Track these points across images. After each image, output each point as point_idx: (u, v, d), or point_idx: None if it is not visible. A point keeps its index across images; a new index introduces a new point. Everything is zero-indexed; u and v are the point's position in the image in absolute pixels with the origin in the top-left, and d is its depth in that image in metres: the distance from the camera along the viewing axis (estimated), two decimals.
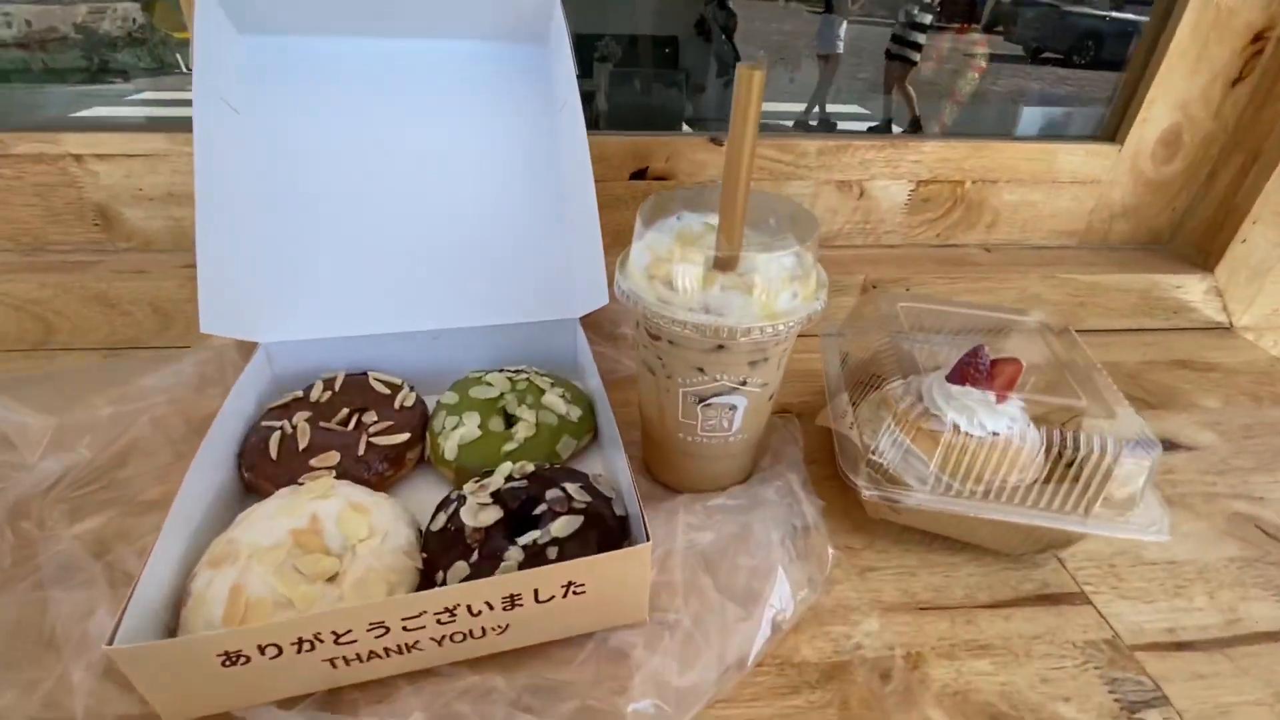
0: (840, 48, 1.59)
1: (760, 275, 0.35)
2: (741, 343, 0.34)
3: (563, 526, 0.35)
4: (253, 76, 0.47)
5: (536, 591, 0.31)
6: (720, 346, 0.35)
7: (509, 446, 0.42)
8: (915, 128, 0.84)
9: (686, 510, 0.40)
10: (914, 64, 1.19)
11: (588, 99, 0.56)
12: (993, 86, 0.70)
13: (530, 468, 0.39)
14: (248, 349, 0.46)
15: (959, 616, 0.37)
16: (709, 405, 0.39)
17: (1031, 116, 0.69)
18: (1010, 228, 0.66)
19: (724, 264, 0.35)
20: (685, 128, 0.83)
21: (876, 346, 0.49)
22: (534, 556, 0.34)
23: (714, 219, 0.37)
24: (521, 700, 0.31)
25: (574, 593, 0.32)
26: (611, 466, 0.43)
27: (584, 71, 0.64)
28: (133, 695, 0.29)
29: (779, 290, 0.35)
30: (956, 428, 0.40)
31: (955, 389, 0.42)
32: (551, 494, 0.37)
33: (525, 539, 0.35)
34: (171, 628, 0.31)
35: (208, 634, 0.28)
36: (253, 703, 0.30)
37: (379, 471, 0.41)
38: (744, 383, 0.38)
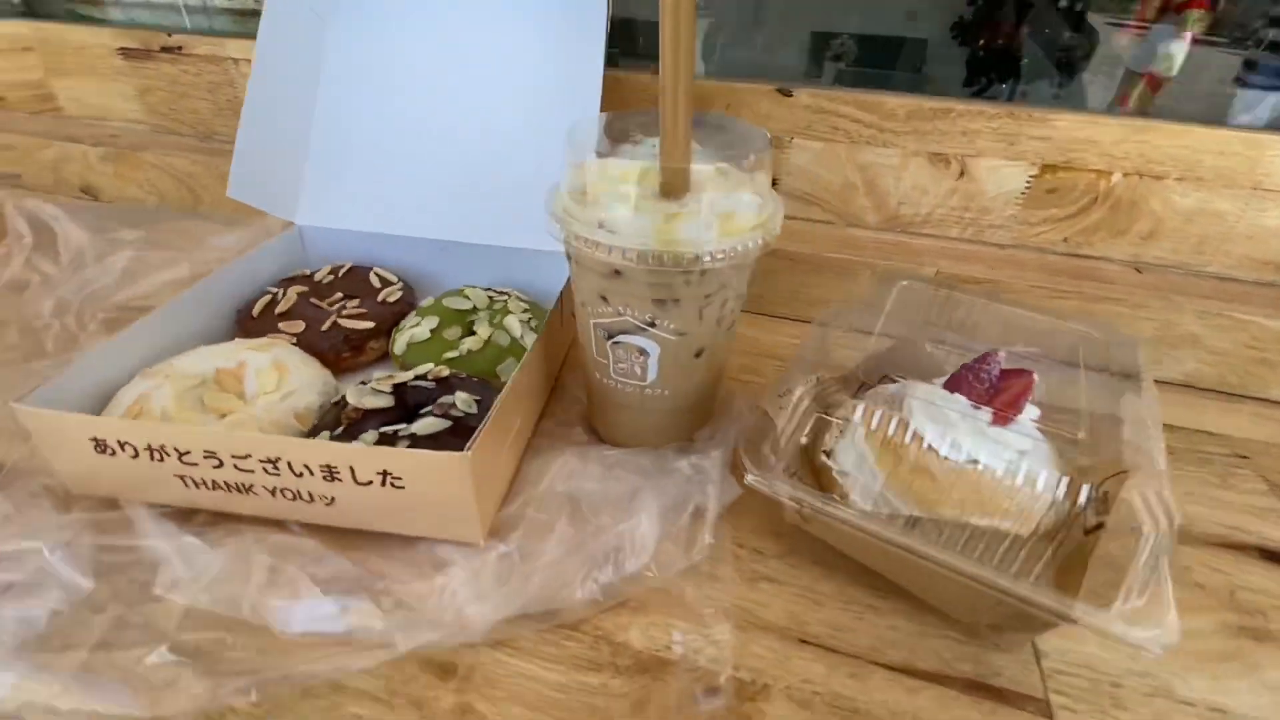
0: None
1: (688, 204, 0.30)
2: (634, 269, 0.30)
3: (426, 426, 0.34)
4: None
5: (354, 471, 0.31)
6: (616, 272, 0.31)
7: (451, 354, 0.42)
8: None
9: (583, 457, 0.37)
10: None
11: None
12: (1205, 66, 0.53)
13: (446, 372, 0.39)
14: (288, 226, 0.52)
15: (845, 666, 0.29)
16: (618, 343, 0.35)
17: (1249, 103, 0.51)
18: (1177, 244, 0.50)
19: (670, 187, 0.31)
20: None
21: (888, 341, 0.40)
22: (384, 443, 0.33)
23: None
24: (326, 569, 0.31)
25: (392, 484, 0.31)
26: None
27: (812, 68, 0.61)
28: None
29: (692, 219, 0.30)
30: (921, 440, 0.31)
31: (940, 394, 0.33)
32: (444, 399, 0.37)
33: (389, 429, 0.34)
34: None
35: (82, 416, 0.32)
36: (129, 496, 0.34)
37: (337, 351, 0.44)
38: (652, 324, 0.33)
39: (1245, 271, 0.49)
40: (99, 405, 0.36)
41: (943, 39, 0.59)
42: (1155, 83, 0.56)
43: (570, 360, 0.47)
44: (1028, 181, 0.50)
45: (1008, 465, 0.30)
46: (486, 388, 0.39)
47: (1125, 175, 0.48)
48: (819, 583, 0.33)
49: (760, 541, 0.35)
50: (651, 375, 0.35)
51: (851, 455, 0.34)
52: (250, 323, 0.44)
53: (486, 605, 0.30)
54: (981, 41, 0.58)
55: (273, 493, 0.32)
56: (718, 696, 0.28)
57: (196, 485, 0.33)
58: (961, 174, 0.51)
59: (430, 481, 0.31)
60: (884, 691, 0.28)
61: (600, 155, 0.33)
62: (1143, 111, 0.54)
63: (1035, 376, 0.31)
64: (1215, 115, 0.51)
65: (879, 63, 0.61)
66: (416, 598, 0.30)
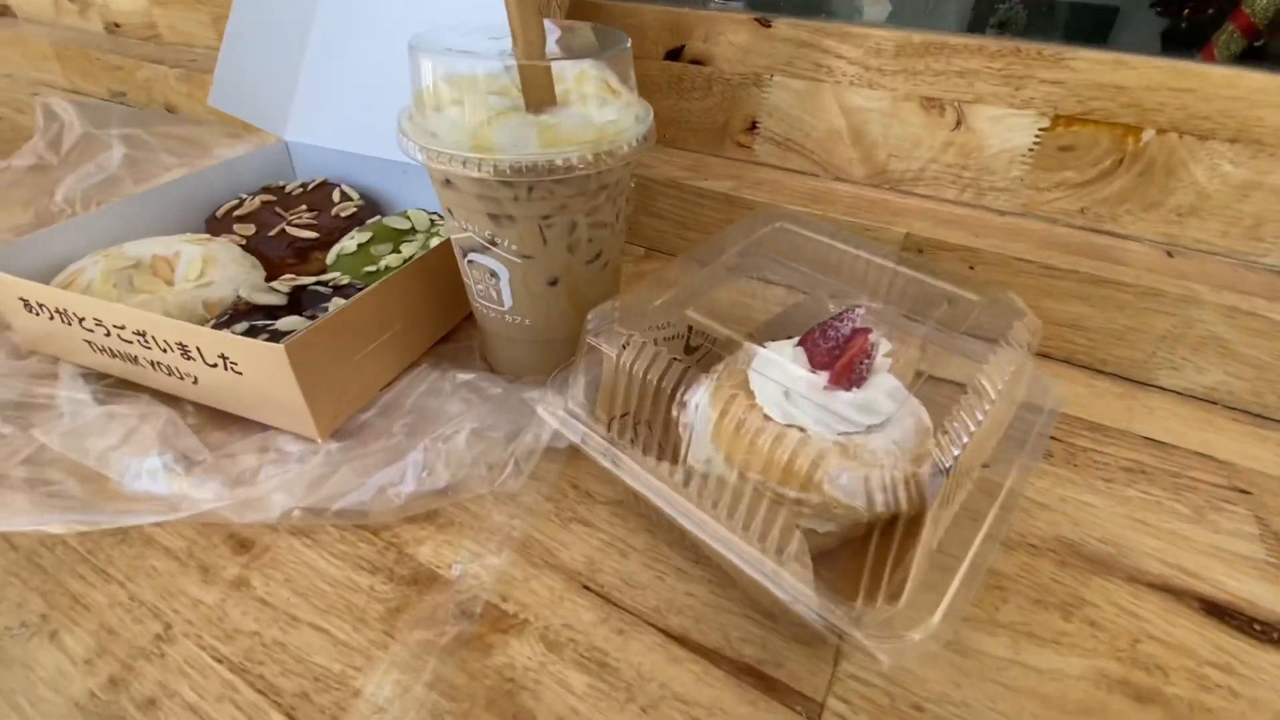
0: None
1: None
2: (459, 178, 0.29)
3: (289, 324, 0.35)
4: None
5: (201, 352, 0.33)
6: (448, 181, 0.30)
7: (369, 268, 0.44)
8: None
9: (442, 375, 0.37)
10: None
11: None
12: None
13: (345, 280, 0.40)
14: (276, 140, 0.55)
15: (617, 620, 0.28)
16: (471, 262, 0.34)
17: None
18: (1227, 225, 0.40)
19: (535, 100, 0.29)
20: None
21: (799, 299, 0.36)
22: (247, 335, 0.35)
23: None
24: (180, 442, 0.34)
25: (232, 369, 0.32)
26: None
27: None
28: None
29: (512, 125, 0.28)
30: (751, 396, 0.28)
31: (788, 350, 0.29)
32: (327, 305, 0.38)
33: (261, 323, 0.36)
34: None
35: (11, 278, 0.37)
36: (63, 357, 0.39)
37: (281, 256, 0.47)
38: (492, 242, 0.32)
39: None
40: (55, 274, 0.41)
41: (1137, 3, 0.49)
42: (1249, 26, 0.44)
43: None
44: (1037, 136, 0.42)
45: (837, 440, 0.26)
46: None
47: (1160, 132, 0.39)
48: (635, 536, 0.31)
49: (596, 484, 0.33)
50: (507, 301, 0.34)
51: (696, 406, 0.31)
52: (213, 222, 0.48)
53: (289, 494, 0.31)
54: (1187, 11, 0.47)
55: (153, 366, 0.35)
56: (469, 620, 0.27)
57: (99, 351, 0.37)
58: (958, 124, 0.44)
59: (260, 371, 0.32)
60: (644, 655, 0.26)
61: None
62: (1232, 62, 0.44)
63: (871, 337, 0.26)
64: None
65: (1054, 34, 0.53)
66: (236, 475, 0.32)
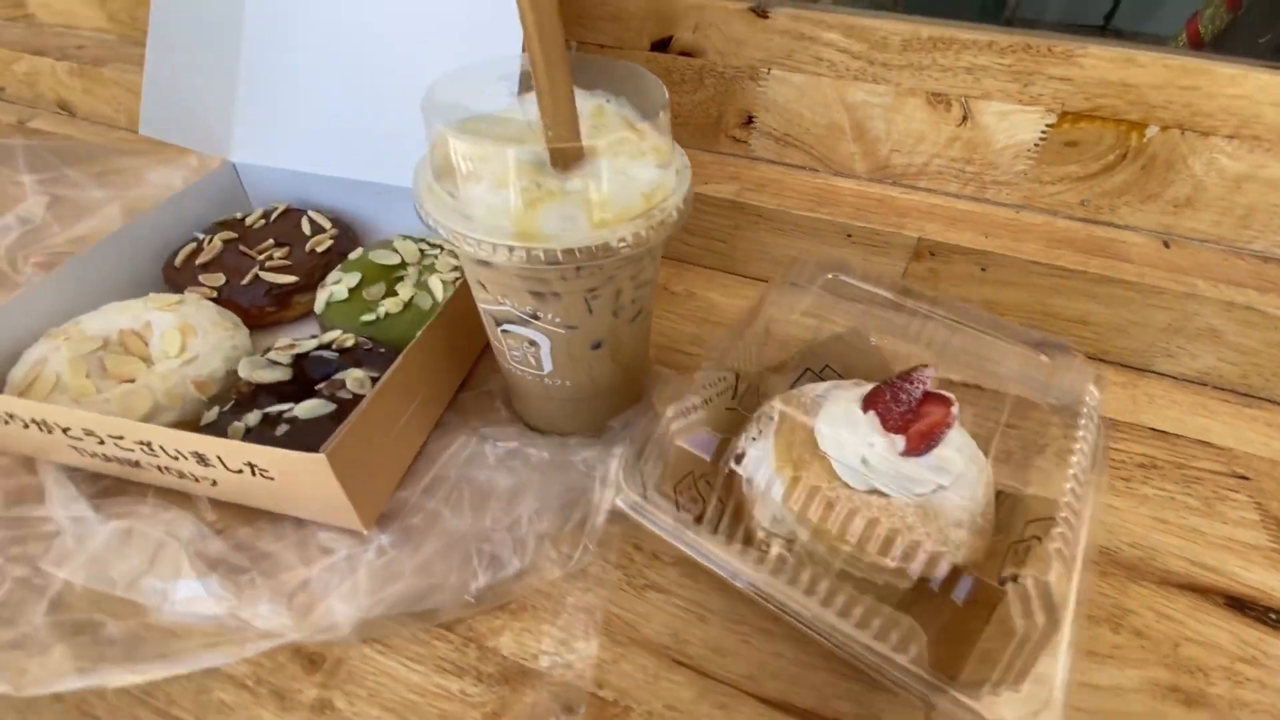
0: None
1: (576, 181, 0.26)
2: (499, 265, 0.27)
3: (309, 409, 0.33)
4: None
5: (222, 459, 0.30)
6: (483, 261, 0.28)
7: (368, 317, 0.40)
8: None
9: (483, 443, 0.35)
10: None
11: None
12: None
13: (350, 342, 0.37)
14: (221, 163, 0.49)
15: (717, 694, 0.28)
16: (507, 332, 0.32)
17: None
18: (1221, 215, 0.42)
19: (562, 157, 0.27)
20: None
21: (831, 330, 0.36)
22: (267, 426, 0.32)
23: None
24: (211, 550, 0.31)
25: (262, 475, 0.30)
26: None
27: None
28: None
29: (556, 207, 0.26)
30: (826, 460, 0.28)
31: (854, 412, 0.29)
32: (339, 376, 0.35)
33: (274, 409, 0.33)
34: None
35: None
36: (39, 455, 0.35)
37: (260, 306, 0.42)
38: (534, 316, 0.30)
39: None
40: (7, 364, 0.36)
41: None
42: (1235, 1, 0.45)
43: None
44: (1043, 131, 0.42)
45: (916, 503, 0.27)
46: (388, 361, 0.37)
47: (1164, 129, 0.40)
48: (710, 596, 0.31)
49: (658, 544, 0.33)
50: (547, 366, 0.33)
51: (759, 463, 0.31)
52: (172, 273, 0.43)
53: (355, 604, 0.29)
54: None
55: (160, 469, 0.32)
56: (574, 716, 0.27)
57: (89, 456, 0.33)
58: (964, 119, 0.43)
59: (296, 477, 0.30)
60: None
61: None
62: (1214, 41, 0.44)
63: (955, 409, 0.26)
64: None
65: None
66: (292, 588, 0.30)
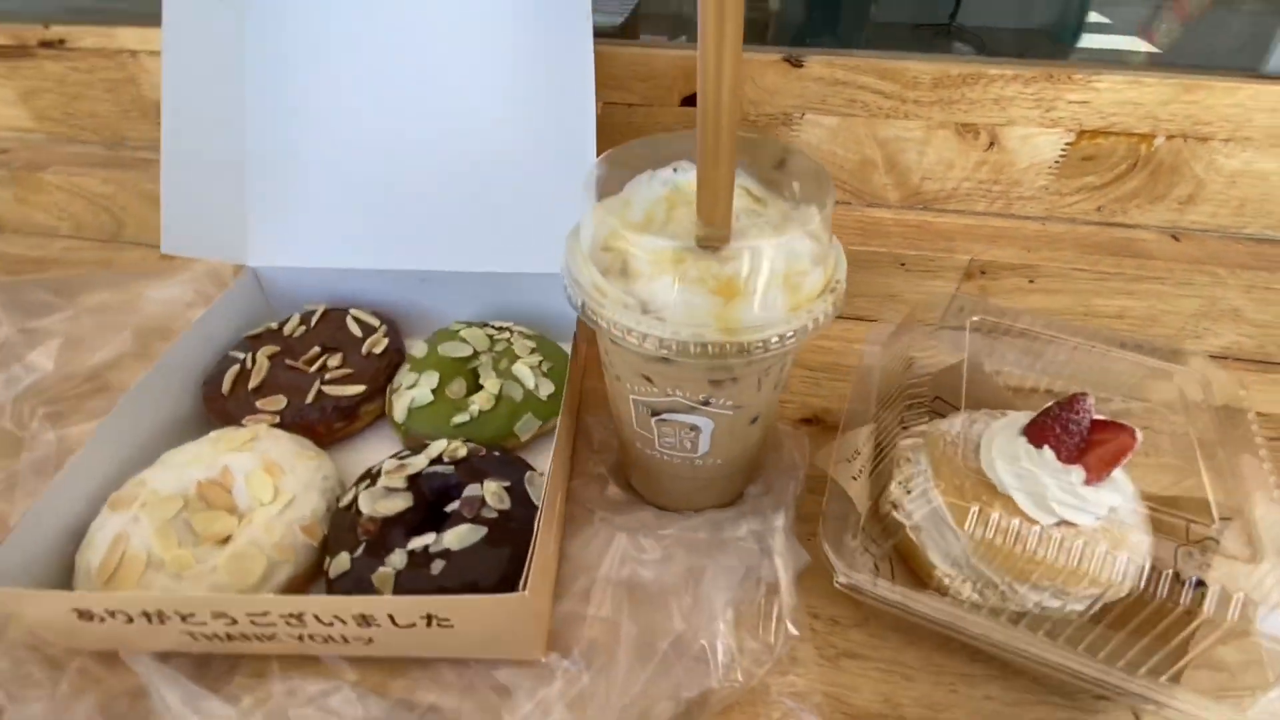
0: None
1: (743, 265, 0.25)
2: (689, 361, 0.26)
3: (460, 537, 0.30)
4: None
5: (392, 617, 0.27)
6: (665, 358, 0.27)
7: (460, 418, 0.38)
8: None
9: (633, 536, 0.34)
10: None
11: None
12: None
13: (463, 451, 0.35)
14: (240, 270, 0.44)
15: None
16: (664, 420, 0.31)
17: None
18: (1218, 207, 0.47)
19: (708, 242, 0.26)
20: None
21: (945, 361, 0.37)
22: (417, 565, 0.29)
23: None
24: (374, 716, 0.28)
25: (439, 625, 0.27)
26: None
27: None
28: None
29: (757, 294, 0.25)
30: (1009, 502, 0.29)
31: (1026, 449, 0.30)
32: (471, 490, 0.32)
33: (417, 543, 0.30)
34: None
35: (58, 593, 0.28)
36: (130, 648, 0.30)
37: (328, 422, 0.39)
38: (706, 402, 0.29)
39: None
40: (71, 545, 0.31)
41: None
42: (1184, 11, 0.51)
43: (589, 397, 0.43)
44: (1063, 149, 0.46)
45: (1100, 526, 0.28)
46: (512, 465, 0.35)
47: (1169, 138, 0.44)
48: (904, 652, 0.31)
49: (834, 607, 0.33)
50: (703, 448, 0.32)
51: (925, 509, 0.32)
52: (221, 403, 0.38)
53: None
54: None
55: (299, 639, 0.28)
56: None
57: (208, 639, 0.29)
58: (991, 144, 0.46)
59: (483, 620, 0.27)
60: None
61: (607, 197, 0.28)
62: (1169, 46, 0.50)
63: (1138, 436, 0.28)
64: (1250, 58, 0.47)
65: None
66: None
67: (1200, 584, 0.26)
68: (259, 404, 0.38)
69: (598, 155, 0.37)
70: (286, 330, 0.42)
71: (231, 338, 0.42)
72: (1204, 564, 0.29)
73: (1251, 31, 0.47)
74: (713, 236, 0.26)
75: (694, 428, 0.31)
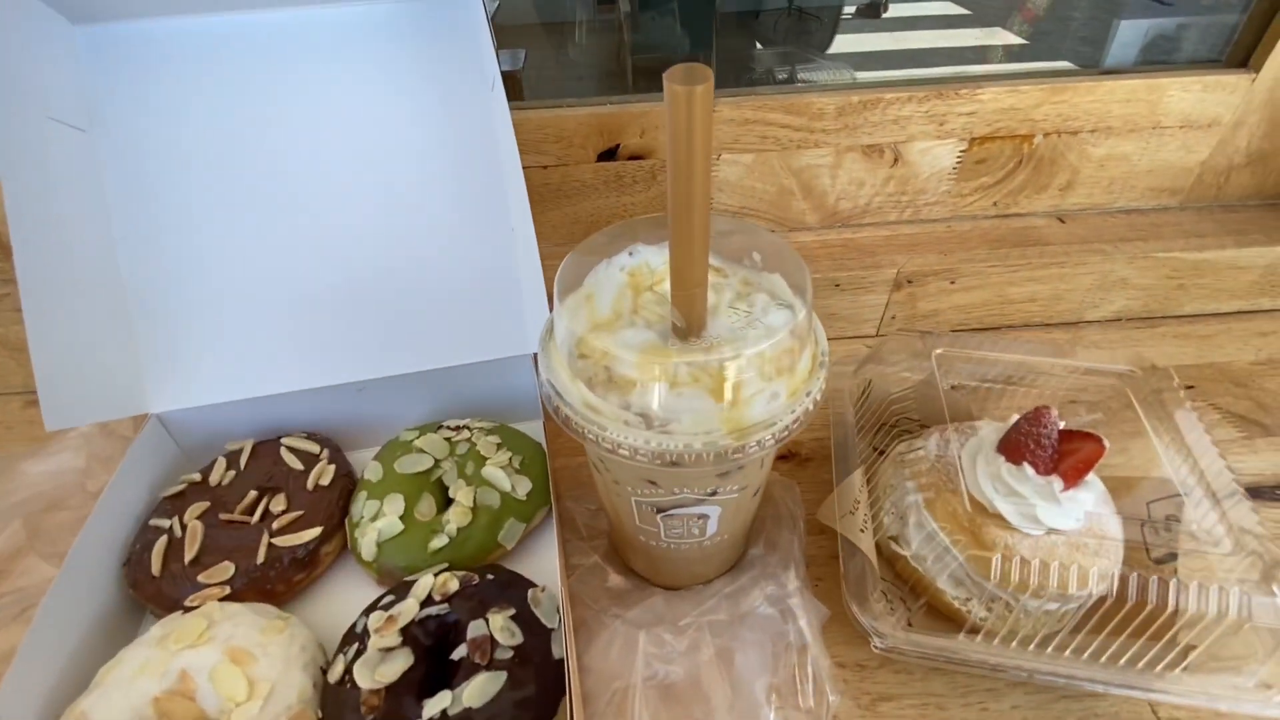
0: None
1: (731, 365, 0.24)
2: (700, 467, 0.25)
3: (480, 691, 0.28)
4: (96, 79, 0.37)
5: None
6: (674, 464, 0.26)
7: (437, 543, 0.35)
8: None
9: (652, 632, 0.33)
10: None
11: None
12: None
13: (454, 584, 0.32)
14: (141, 421, 0.39)
15: None
16: (671, 516, 0.30)
17: (1131, 34, 0.52)
18: (1092, 189, 0.52)
19: (687, 332, 0.26)
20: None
21: (907, 385, 0.39)
22: None
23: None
24: None
25: None
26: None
27: None
28: None
29: (758, 387, 0.25)
30: (1002, 520, 0.31)
31: (1006, 467, 0.32)
32: (474, 630, 0.30)
33: (432, 708, 0.27)
34: None
35: None
36: None
37: (287, 579, 0.34)
38: (714, 493, 0.28)
39: (1146, 201, 0.53)
40: None
41: None
42: (1030, 15, 0.56)
43: (560, 475, 0.41)
44: (958, 156, 0.49)
45: (1086, 525, 0.31)
46: (510, 585, 0.32)
47: (1046, 135, 0.48)
48: (931, 682, 0.32)
49: (856, 653, 0.33)
50: (710, 531, 0.31)
51: (923, 539, 0.33)
52: (154, 586, 0.33)
53: None
54: None
55: None
56: None
57: None
58: (896, 160, 0.49)
59: None
60: None
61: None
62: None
63: (1106, 444, 0.30)
64: (1090, 53, 0.52)
65: None
66: None
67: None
68: (201, 577, 0.33)
69: (533, 222, 0.36)
70: (213, 479, 0.37)
71: (148, 504, 0.37)
72: (1170, 541, 0.32)
73: (1087, 33, 0.53)
74: (691, 326, 0.25)
75: (702, 516, 0.30)
